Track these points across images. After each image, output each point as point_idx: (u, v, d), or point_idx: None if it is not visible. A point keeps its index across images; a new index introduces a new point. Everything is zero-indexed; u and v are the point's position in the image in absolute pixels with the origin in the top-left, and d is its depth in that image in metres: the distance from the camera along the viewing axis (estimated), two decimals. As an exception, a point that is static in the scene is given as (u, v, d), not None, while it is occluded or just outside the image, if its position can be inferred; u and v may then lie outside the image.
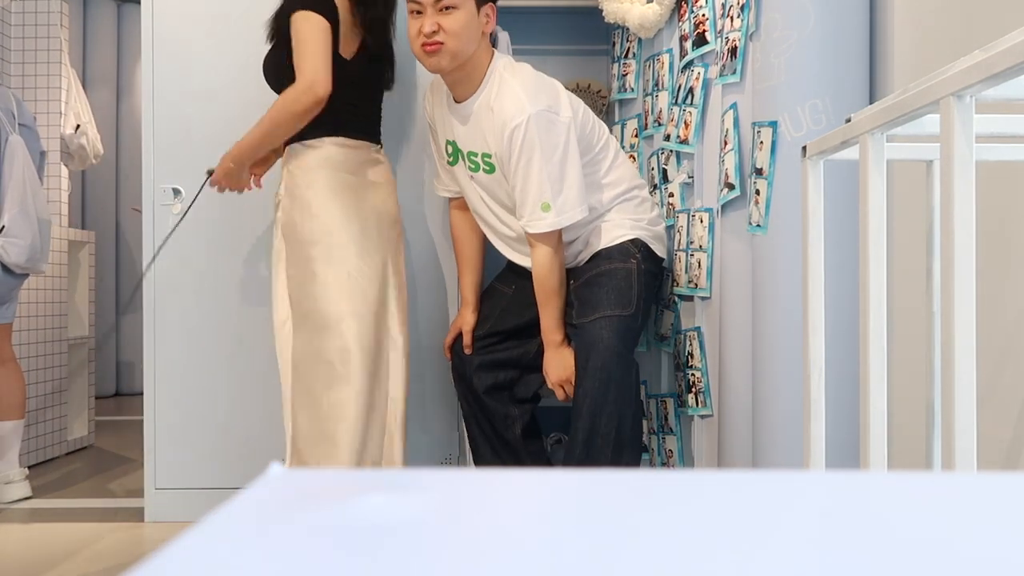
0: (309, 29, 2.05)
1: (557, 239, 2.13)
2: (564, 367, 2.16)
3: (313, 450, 2.10)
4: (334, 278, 2.11)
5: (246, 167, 2.20)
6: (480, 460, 2.35)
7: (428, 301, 2.68)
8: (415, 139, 2.65)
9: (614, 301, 2.10)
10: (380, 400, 2.16)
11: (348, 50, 2.18)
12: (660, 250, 2.27)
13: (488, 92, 2.11)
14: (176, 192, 2.59)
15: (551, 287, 2.15)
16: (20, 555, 2.30)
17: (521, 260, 2.27)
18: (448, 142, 2.25)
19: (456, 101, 2.17)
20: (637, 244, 2.19)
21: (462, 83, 2.13)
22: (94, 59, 5.82)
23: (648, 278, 2.19)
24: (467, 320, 2.35)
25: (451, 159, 2.26)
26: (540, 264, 2.13)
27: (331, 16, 2.09)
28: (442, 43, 2.01)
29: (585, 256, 2.23)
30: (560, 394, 2.20)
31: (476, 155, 2.16)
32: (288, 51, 2.08)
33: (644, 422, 2.32)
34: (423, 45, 2.03)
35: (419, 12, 2.03)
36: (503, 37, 2.59)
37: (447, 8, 2.01)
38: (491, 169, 2.15)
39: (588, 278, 2.17)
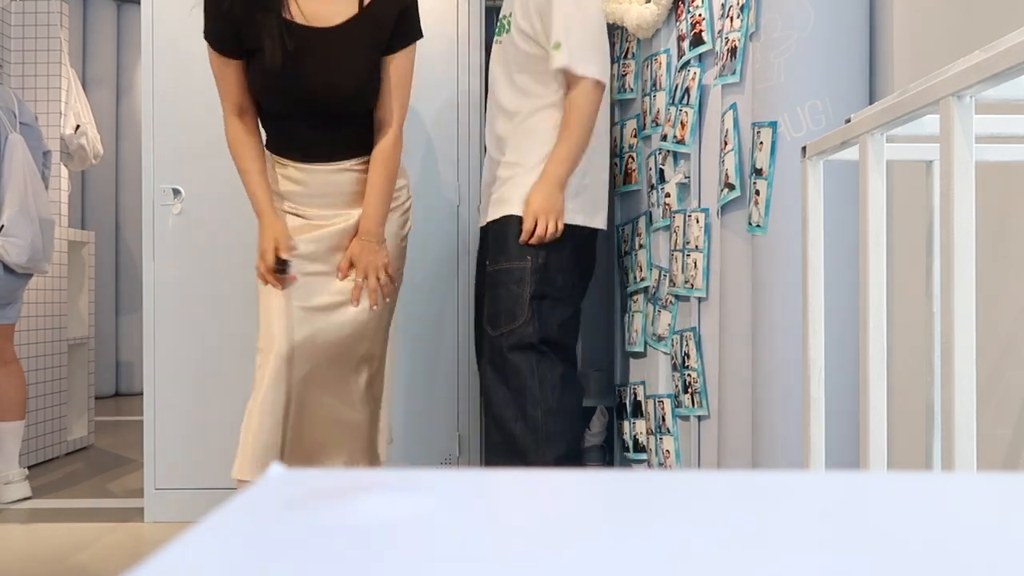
0: (411, 66, 2.06)
1: (595, 94, 2.19)
2: (551, 203, 2.16)
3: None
4: (271, 301, 1.96)
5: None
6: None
7: (430, 305, 2.68)
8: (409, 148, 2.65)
9: (502, 318, 2.17)
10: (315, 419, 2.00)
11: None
12: (588, 221, 2.30)
13: None
14: (176, 192, 2.60)
15: (573, 126, 2.17)
16: (20, 555, 2.30)
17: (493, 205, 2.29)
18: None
19: None
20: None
21: None
22: (94, 59, 5.82)
23: (552, 270, 2.20)
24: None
25: (497, 33, 2.40)
26: (570, 100, 2.19)
27: None
28: None
29: (494, 212, 2.26)
30: (530, 227, 2.17)
31: (506, 18, 2.31)
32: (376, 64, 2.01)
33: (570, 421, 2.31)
34: None
35: None
36: None
37: None
38: (508, 28, 2.29)
39: (490, 278, 2.23)
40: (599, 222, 2.33)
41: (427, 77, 2.50)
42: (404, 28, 2.01)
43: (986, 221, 1.27)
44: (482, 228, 2.39)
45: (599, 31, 2.24)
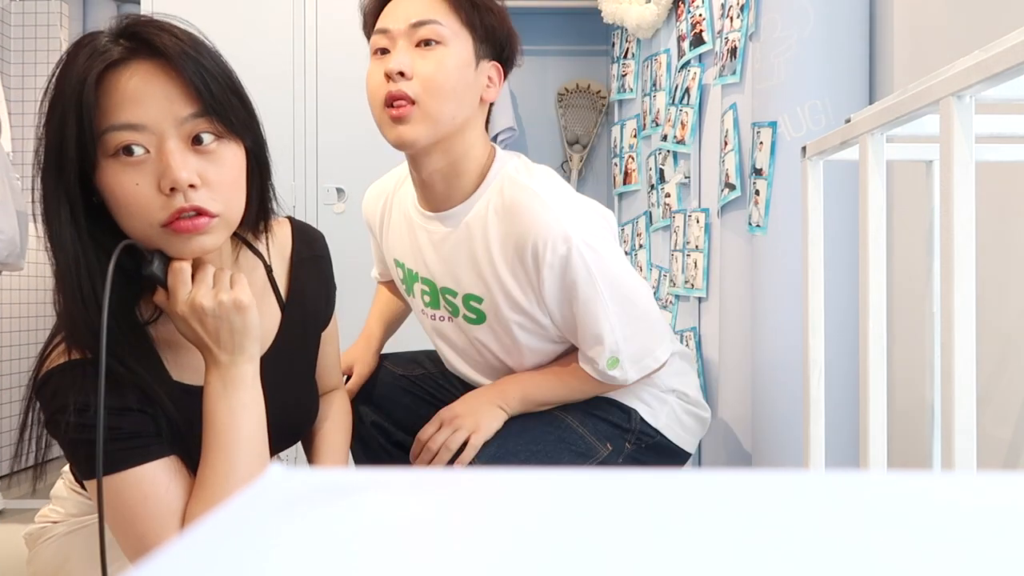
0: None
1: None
2: (478, 415, 1.39)
3: None
4: None
5: None
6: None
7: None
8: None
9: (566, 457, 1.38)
10: None
11: None
12: (680, 438, 1.57)
13: (485, 205, 1.33)
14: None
15: (575, 393, 1.45)
16: (20, 555, 2.30)
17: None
18: (398, 263, 1.51)
19: (429, 210, 1.40)
20: (634, 418, 1.48)
21: (443, 182, 1.34)
22: (94, 59, 5.81)
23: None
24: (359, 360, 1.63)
25: (406, 286, 1.52)
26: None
27: None
28: (413, 102, 1.24)
29: None
30: (430, 436, 1.39)
31: (455, 295, 1.41)
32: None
33: None
34: (388, 105, 1.25)
35: (384, 50, 1.29)
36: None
37: (428, 43, 1.26)
38: (480, 318, 1.41)
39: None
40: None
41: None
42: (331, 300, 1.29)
43: (986, 221, 1.27)
44: None
45: (649, 304, 1.40)
